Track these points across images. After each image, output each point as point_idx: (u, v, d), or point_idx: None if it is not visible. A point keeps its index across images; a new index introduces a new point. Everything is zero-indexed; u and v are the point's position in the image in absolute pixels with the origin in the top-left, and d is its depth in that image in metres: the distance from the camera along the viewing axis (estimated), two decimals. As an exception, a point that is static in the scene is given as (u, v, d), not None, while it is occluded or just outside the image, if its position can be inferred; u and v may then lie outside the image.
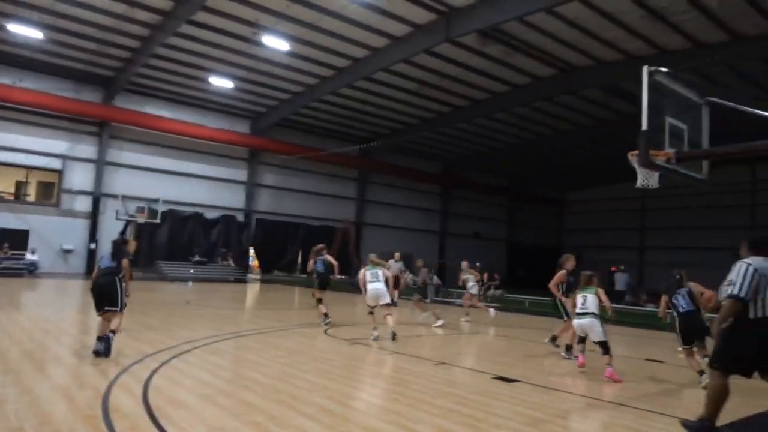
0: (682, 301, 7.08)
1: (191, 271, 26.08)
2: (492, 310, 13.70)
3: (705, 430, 4.48)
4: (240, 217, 29.72)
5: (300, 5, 18.14)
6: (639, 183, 5.63)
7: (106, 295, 6.88)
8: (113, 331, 6.78)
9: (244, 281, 26.85)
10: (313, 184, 32.51)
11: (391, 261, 16.98)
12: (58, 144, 24.50)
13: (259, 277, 28.35)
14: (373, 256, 10.17)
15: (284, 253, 30.42)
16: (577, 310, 7.43)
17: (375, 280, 9.67)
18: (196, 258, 27.19)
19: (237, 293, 19.70)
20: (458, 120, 27.90)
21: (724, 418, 5.23)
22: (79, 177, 24.98)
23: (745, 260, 4.51)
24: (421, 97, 26.04)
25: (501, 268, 35.25)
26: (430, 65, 22.39)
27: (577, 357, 7.56)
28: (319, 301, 11.31)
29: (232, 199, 29.54)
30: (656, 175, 5.60)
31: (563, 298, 8.84)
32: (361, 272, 9.86)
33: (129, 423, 4.25)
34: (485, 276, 22.90)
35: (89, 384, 5.41)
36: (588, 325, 7.22)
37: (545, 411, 5.37)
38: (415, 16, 18.81)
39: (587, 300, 7.31)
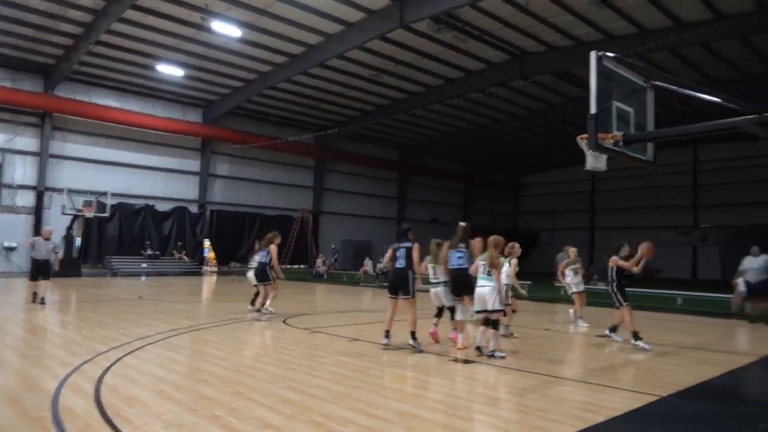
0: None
1: (144, 265, 25.40)
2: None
3: None
4: (194, 209, 29.03)
5: (250, -10, 17.75)
6: (588, 165, 5.77)
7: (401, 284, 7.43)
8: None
9: (199, 274, 26.34)
10: (269, 174, 32.04)
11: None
12: (-4, 136, 23.29)
13: (215, 269, 27.85)
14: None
15: (241, 244, 29.96)
16: (431, 279, 8.10)
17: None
18: (149, 252, 26.48)
19: (192, 286, 19.31)
20: (414, 106, 27.98)
21: (668, 389, 5.49)
22: (21, 171, 23.80)
23: None
24: (377, 83, 25.96)
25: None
26: (385, 51, 22.31)
27: (433, 329, 8.15)
28: (256, 294, 11.17)
29: (185, 190, 28.80)
30: (604, 157, 5.76)
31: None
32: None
33: (81, 424, 4.12)
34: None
35: (37, 386, 5.21)
36: (439, 292, 7.96)
37: (501, 390, 5.50)
38: (369, 1, 18.68)
39: (437, 270, 8.03)
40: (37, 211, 23.96)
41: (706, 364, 6.97)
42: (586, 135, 5.45)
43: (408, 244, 7.65)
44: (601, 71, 5.44)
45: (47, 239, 12.43)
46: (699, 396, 5.34)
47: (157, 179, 27.74)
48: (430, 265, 8.03)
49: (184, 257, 27.43)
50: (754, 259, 12.59)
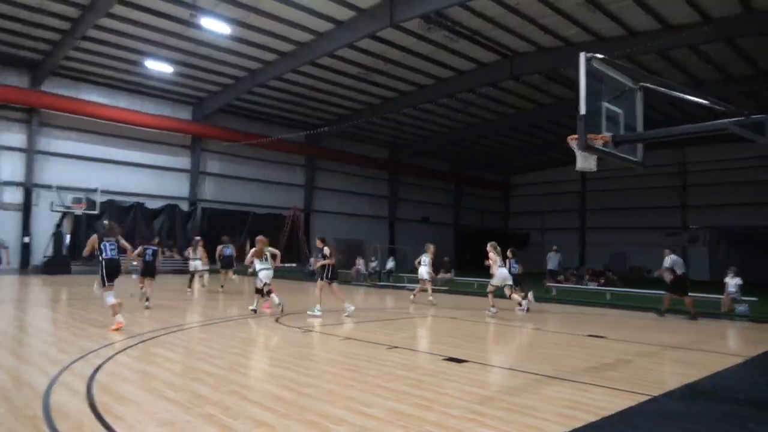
0: None
1: (134, 263, 25.14)
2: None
3: None
4: (184, 206, 28.88)
5: (241, -13, 17.67)
6: (578, 166, 5.84)
7: None
8: None
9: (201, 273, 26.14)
10: (260, 172, 31.94)
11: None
12: (-18, 133, 23.01)
13: (206, 267, 27.67)
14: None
15: (232, 242, 29.81)
16: (259, 266, 10.86)
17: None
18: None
19: (183, 284, 19.21)
20: (404, 105, 28.01)
21: (658, 388, 5.57)
22: (8, 167, 23.53)
23: None
24: (368, 82, 25.96)
25: (449, 251, 35.89)
26: (375, 50, 22.32)
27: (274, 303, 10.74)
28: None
29: (176, 187, 28.65)
30: (594, 158, 5.83)
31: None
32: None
33: (72, 422, 4.11)
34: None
35: (28, 383, 5.18)
36: (270, 274, 10.95)
37: (493, 389, 5.55)
38: (359, 0, 18.67)
39: (268, 258, 11.01)
40: (26, 208, 23.71)
41: (695, 365, 7.07)
42: (575, 136, 5.52)
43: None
44: (591, 72, 5.51)
45: None
46: (689, 396, 5.42)
47: (148, 176, 27.57)
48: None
49: (176, 255, 27.26)
50: None
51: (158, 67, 23.65)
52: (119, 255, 9.02)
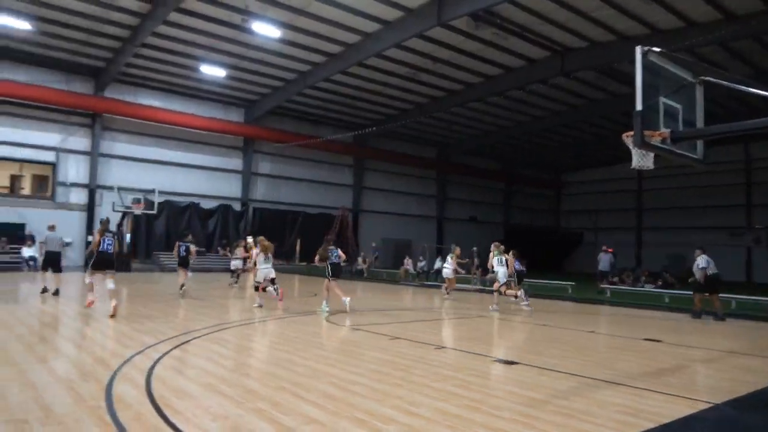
0: None
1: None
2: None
3: None
4: (237, 207, 29.70)
5: (290, -9, 18.00)
6: (634, 164, 5.63)
7: None
8: None
9: (243, 271, 26.80)
10: (309, 172, 32.49)
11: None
12: (51, 137, 24.41)
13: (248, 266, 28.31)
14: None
15: (282, 241, 30.45)
16: (261, 266, 11.66)
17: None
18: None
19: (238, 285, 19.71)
20: (452, 104, 27.83)
21: (722, 396, 5.32)
22: (74, 169, 24.91)
23: None
24: (415, 82, 25.93)
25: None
26: (423, 49, 22.27)
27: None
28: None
29: (229, 188, 29.51)
30: (651, 155, 5.61)
31: None
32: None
33: (133, 413, 4.29)
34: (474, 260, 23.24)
35: (92, 375, 5.44)
36: (271, 271, 11.75)
37: (544, 392, 5.44)
38: (407, 0, 18.66)
39: (269, 258, 11.82)
40: (90, 208, 25.03)
41: (759, 372, 6.71)
42: (631, 132, 5.32)
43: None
44: (647, 66, 5.29)
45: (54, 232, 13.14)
46: (753, 405, 5.14)
47: (202, 177, 28.52)
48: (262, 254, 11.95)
49: (229, 254, 28.00)
50: None
51: (212, 71, 24.44)
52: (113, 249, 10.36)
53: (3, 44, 22.01)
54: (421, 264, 25.88)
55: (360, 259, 27.43)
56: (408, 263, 25.55)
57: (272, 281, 11.78)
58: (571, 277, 22.16)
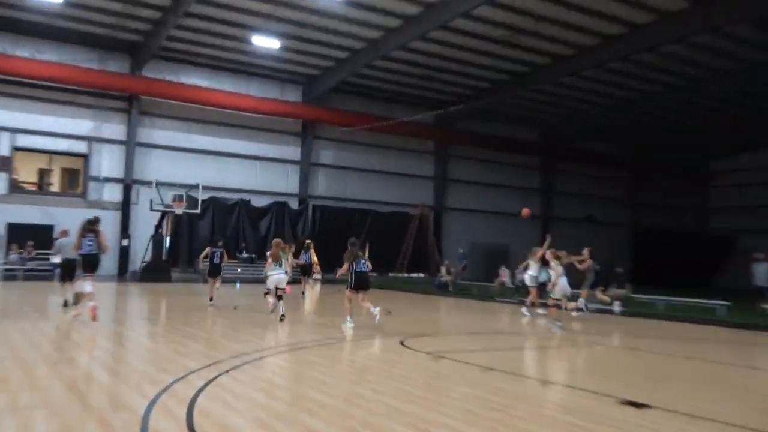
0: None
1: (238, 270, 26.75)
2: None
3: None
4: (294, 204, 30.34)
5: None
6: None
7: None
8: None
9: (301, 282, 27.35)
10: (381, 162, 32.71)
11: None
12: (83, 124, 25.94)
13: (319, 276, 28.82)
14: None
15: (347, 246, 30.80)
16: (273, 271, 12.60)
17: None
18: (244, 254, 27.93)
19: (293, 297, 20.14)
20: (561, 74, 27.13)
21: None
22: (107, 162, 26.34)
23: None
24: (513, 46, 25.47)
25: (624, 259, 34.07)
26: (523, 6, 21.80)
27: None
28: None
29: (284, 182, 30.23)
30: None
31: None
32: None
33: (172, 453, 4.40)
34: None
35: (126, 405, 5.66)
36: (282, 279, 12.60)
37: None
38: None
39: (283, 263, 12.74)
40: (125, 207, 26.34)
41: None
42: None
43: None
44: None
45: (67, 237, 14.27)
46: None
47: (253, 169, 29.38)
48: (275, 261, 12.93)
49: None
50: None
51: (265, 42, 25.15)
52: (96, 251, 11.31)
53: (32, 20, 23.61)
54: (521, 276, 25.32)
55: (443, 269, 27.21)
56: (504, 275, 25.06)
57: (279, 295, 12.59)
58: (722, 294, 21.01)
